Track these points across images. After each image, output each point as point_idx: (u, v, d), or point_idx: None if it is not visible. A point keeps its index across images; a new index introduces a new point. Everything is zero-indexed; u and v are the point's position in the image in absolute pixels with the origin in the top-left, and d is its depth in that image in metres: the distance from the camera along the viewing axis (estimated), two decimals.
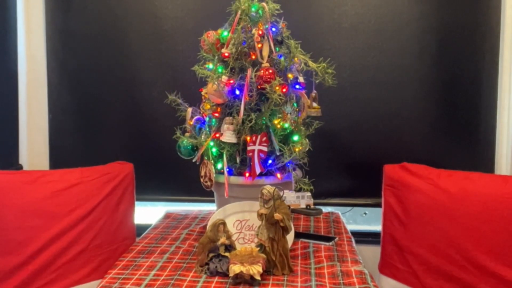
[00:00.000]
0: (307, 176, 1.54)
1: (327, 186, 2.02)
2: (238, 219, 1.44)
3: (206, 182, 1.55)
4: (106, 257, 1.71)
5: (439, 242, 1.58)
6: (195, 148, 1.61)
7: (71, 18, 2.08)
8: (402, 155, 1.83)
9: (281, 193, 1.31)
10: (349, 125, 2.00)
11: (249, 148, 1.47)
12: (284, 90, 1.48)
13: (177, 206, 2.14)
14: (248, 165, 1.48)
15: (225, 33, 1.52)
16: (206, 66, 1.54)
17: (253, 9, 1.49)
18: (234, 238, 1.37)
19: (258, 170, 1.46)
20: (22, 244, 1.58)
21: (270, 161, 1.50)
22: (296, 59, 1.52)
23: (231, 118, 1.50)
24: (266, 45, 1.48)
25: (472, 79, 1.92)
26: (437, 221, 1.59)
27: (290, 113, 1.52)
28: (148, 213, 2.24)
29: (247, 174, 1.48)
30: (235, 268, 1.20)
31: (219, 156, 1.54)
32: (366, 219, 2.30)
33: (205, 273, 1.29)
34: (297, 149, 1.51)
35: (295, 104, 1.56)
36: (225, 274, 1.26)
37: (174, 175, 2.08)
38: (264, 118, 1.48)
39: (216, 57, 1.54)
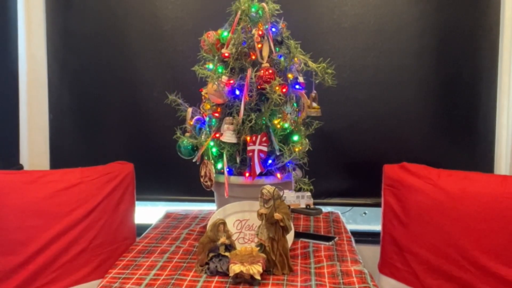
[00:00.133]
0: (307, 176, 1.55)
1: (327, 186, 2.02)
2: (238, 219, 1.44)
3: (206, 182, 1.56)
4: (106, 257, 1.71)
5: (438, 241, 1.58)
6: (195, 148, 1.61)
7: (72, 18, 2.08)
8: (402, 155, 1.83)
9: (281, 193, 1.31)
10: (349, 125, 2.00)
11: (249, 148, 1.47)
12: (284, 90, 1.48)
13: (177, 206, 2.14)
14: (248, 165, 1.49)
15: (225, 33, 1.52)
16: (206, 66, 1.54)
17: (253, 10, 1.49)
18: (234, 237, 1.37)
19: (258, 170, 1.46)
20: (23, 244, 1.58)
21: (270, 161, 1.50)
22: (296, 59, 1.52)
23: (231, 118, 1.50)
24: (266, 45, 1.48)
25: (472, 79, 1.92)
26: (437, 221, 1.59)
27: (290, 113, 1.53)
28: (148, 213, 2.24)
29: (247, 174, 1.48)
30: (235, 268, 1.20)
31: (219, 156, 1.55)
32: (365, 219, 2.30)
33: (205, 272, 1.30)
34: (297, 149, 1.51)
35: (295, 104, 1.56)
36: (225, 274, 1.26)
37: (174, 175, 2.08)
38: (264, 118, 1.48)
39: (216, 57, 1.54)
